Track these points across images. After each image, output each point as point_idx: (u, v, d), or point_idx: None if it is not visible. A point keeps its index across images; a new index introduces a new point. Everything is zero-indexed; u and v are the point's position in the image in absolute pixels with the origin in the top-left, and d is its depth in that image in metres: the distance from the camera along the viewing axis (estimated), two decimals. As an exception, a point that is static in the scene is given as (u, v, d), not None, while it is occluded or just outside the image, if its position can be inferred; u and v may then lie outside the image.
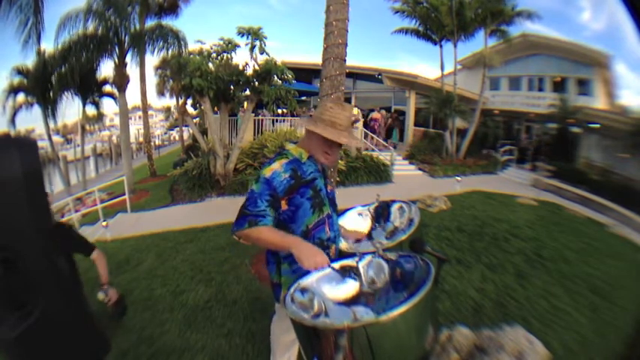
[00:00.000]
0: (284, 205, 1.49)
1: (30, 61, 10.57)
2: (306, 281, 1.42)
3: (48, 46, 9.93)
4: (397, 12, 11.86)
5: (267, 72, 7.55)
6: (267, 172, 1.45)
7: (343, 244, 1.89)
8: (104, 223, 5.60)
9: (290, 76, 7.80)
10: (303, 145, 1.58)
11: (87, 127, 12.17)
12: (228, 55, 7.88)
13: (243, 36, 7.32)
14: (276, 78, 7.81)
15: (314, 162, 1.58)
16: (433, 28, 11.61)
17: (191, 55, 7.71)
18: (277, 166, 1.47)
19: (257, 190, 1.45)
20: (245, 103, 8.46)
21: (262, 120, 10.87)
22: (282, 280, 1.58)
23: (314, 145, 1.54)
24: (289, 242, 1.41)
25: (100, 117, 13.67)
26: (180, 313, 3.01)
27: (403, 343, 1.18)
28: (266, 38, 7.34)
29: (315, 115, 1.56)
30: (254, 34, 7.26)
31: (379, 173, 9.34)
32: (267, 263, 1.64)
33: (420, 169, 10.74)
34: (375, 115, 13.06)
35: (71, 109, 11.98)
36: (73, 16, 9.20)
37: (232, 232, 1.49)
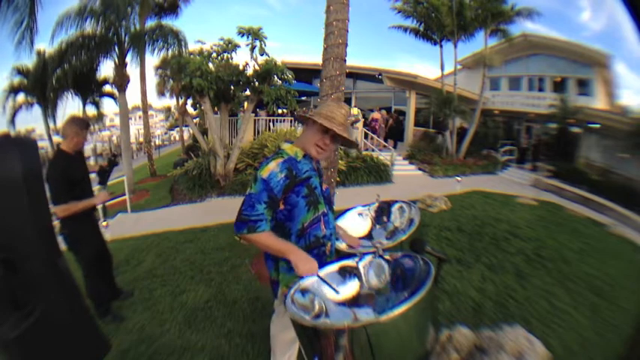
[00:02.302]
0: (281, 205, 1.52)
1: (30, 61, 10.58)
2: (307, 282, 1.42)
3: (47, 46, 9.95)
4: (398, 12, 11.86)
5: (267, 72, 7.55)
6: (264, 173, 1.47)
7: (343, 245, 1.90)
8: (104, 223, 5.58)
9: (290, 76, 7.80)
10: (299, 144, 1.62)
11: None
12: (229, 55, 7.88)
13: (243, 36, 7.32)
14: (276, 78, 7.80)
15: (309, 160, 1.62)
16: (433, 28, 11.61)
17: (191, 55, 7.70)
18: (273, 165, 1.48)
19: (255, 193, 1.47)
20: (245, 103, 8.46)
21: (259, 120, 10.88)
22: (279, 278, 1.61)
23: (309, 138, 1.58)
24: (286, 250, 1.47)
25: (100, 117, 13.70)
26: (180, 313, 3.01)
27: (403, 343, 1.18)
28: (266, 38, 7.34)
29: (314, 111, 1.63)
30: (254, 35, 7.25)
31: (379, 173, 9.34)
32: (266, 260, 1.67)
33: (420, 169, 10.74)
34: (375, 115, 13.06)
35: (71, 109, 12.00)
36: (72, 15, 9.19)
37: (234, 233, 1.53)
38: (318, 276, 1.43)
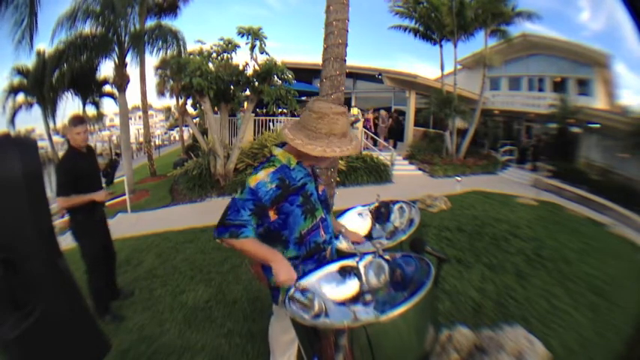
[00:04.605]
0: (273, 215, 1.48)
1: (30, 61, 10.57)
2: (307, 281, 1.42)
3: (47, 46, 9.93)
4: (396, 14, 11.87)
5: (267, 72, 7.55)
6: (252, 182, 1.42)
7: (343, 244, 1.90)
8: (104, 223, 5.59)
9: (290, 76, 7.80)
10: (293, 151, 1.50)
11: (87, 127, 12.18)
12: (228, 55, 7.88)
13: (243, 36, 7.33)
14: (276, 78, 7.81)
15: (303, 166, 1.54)
16: (433, 28, 11.60)
17: (191, 55, 7.71)
18: (263, 175, 1.43)
19: (240, 199, 1.43)
20: (245, 103, 8.46)
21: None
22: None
23: (309, 158, 1.48)
24: (269, 257, 1.44)
25: (100, 117, 13.68)
26: (180, 313, 3.01)
27: (403, 343, 1.18)
28: (266, 38, 7.35)
29: (308, 124, 1.43)
30: (254, 34, 7.26)
31: (379, 173, 9.34)
32: (264, 267, 1.63)
33: (420, 169, 10.74)
34: (367, 115, 13.13)
35: (71, 109, 11.98)
36: (71, 16, 9.18)
37: (214, 237, 1.49)
38: (296, 285, 1.39)
